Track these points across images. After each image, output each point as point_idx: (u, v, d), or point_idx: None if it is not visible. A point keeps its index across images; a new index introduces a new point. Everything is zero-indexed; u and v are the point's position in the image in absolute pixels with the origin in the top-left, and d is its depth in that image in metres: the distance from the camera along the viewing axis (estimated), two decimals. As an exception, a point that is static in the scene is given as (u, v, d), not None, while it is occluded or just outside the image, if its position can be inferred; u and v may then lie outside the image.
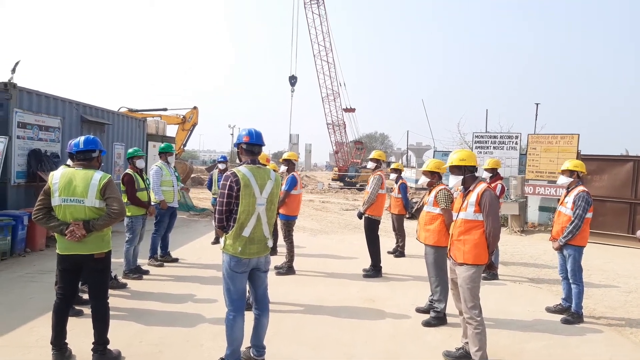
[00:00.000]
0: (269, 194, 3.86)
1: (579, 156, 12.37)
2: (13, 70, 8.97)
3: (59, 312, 3.97)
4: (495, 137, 14.91)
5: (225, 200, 3.72)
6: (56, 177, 3.94)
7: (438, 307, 5.35)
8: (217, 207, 3.77)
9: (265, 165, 6.04)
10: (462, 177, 4.34)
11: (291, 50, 45.36)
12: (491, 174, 7.77)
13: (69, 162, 4.51)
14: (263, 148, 4.12)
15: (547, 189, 12.64)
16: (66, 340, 4.01)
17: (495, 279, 7.42)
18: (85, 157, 4.08)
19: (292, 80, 41.76)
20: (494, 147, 14.55)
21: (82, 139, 4.13)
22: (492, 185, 7.57)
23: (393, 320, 5.42)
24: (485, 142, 14.78)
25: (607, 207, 11.62)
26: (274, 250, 8.81)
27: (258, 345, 4.01)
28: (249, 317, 4.03)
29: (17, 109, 8.59)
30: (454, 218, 4.39)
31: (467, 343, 4.22)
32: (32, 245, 8.28)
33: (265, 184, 3.83)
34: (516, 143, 14.44)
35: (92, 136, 4.25)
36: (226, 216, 3.75)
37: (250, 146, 3.92)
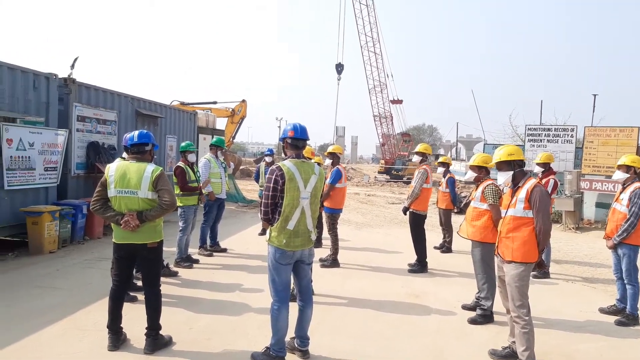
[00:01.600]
0: (313, 188, 3.91)
1: (639, 150, 11.73)
2: (72, 66, 9.44)
3: (115, 298, 4.20)
4: (549, 129, 14.37)
5: (270, 193, 3.81)
6: (112, 170, 4.14)
7: (485, 304, 5.26)
8: (263, 200, 3.88)
9: (310, 159, 6.13)
10: (512, 172, 4.23)
11: (338, 38, 45.26)
12: (543, 169, 7.53)
13: (124, 154, 4.73)
14: (308, 141, 4.18)
15: (605, 185, 12.06)
16: (121, 325, 4.24)
17: (547, 278, 7.18)
18: (139, 151, 4.26)
19: (339, 68, 41.59)
20: (548, 141, 14.01)
21: (136, 133, 4.32)
22: (544, 180, 7.35)
23: (438, 317, 5.38)
24: (539, 135, 14.26)
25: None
26: (318, 243, 8.89)
27: (302, 336, 4.10)
28: (294, 308, 4.12)
29: (76, 103, 9.06)
30: (503, 215, 4.29)
31: (514, 342, 4.14)
32: (91, 233, 8.75)
33: (309, 178, 3.89)
34: (572, 136, 13.84)
35: (145, 130, 4.44)
36: (271, 209, 3.84)
37: (295, 140, 3.98)
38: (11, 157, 7.40)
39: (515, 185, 4.22)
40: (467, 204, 5.75)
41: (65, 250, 7.87)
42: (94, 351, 4.08)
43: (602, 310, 5.70)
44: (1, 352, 4.01)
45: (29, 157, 7.74)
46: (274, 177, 3.81)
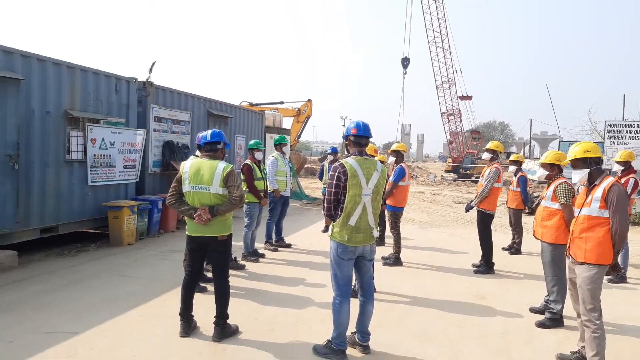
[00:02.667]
0: (375, 185, 3.96)
1: None
2: (150, 70, 10.03)
3: (187, 287, 4.47)
4: (631, 125, 13.43)
5: (333, 190, 3.90)
6: (187, 167, 4.41)
7: (554, 308, 5.06)
8: (326, 197, 3.98)
9: (373, 156, 6.17)
10: (588, 170, 4.05)
11: (404, 32, 44.40)
12: (623, 167, 7.11)
13: (197, 152, 5.01)
14: (372, 139, 4.23)
15: (696, 185, 11.10)
16: (192, 313, 4.50)
17: (624, 282, 6.79)
18: (212, 149, 4.50)
19: (405, 62, 41.04)
20: (630, 137, 13.12)
21: (209, 132, 4.57)
22: (624, 179, 6.94)
23: (504, 319, 5.24)
24: (620, 131, 13.38)
25: None
26: (381, 241, 8.90)
27: (363, 331, 4.16)
28: (356, 303, 4.19)
29: (153, 105, 9.63)
30: (576, 214, 4.12)
31: (583, 347, 3.97)
32: (165, 227, 9.29)
33: (371, 175, 3.94)
34: (658, 133, 12.88)
35: (217, 130, 4.68)
36: (334, 205, 3.93)
37: (358, 138, 4.04)
38: (94, 155, 8.01)
39: (591, 183, 4.04)
40: (538, 204, 5.55)
41: (142, 242, 8.41)
42: (167, 337, 4.36)
43: (688, 320, 5.30)
44: (90, 331, 4.40)
45: (110, 155, 8.35)
46: (336, 173, 3.90)
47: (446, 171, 36.39)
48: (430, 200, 18.27)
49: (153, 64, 10.13)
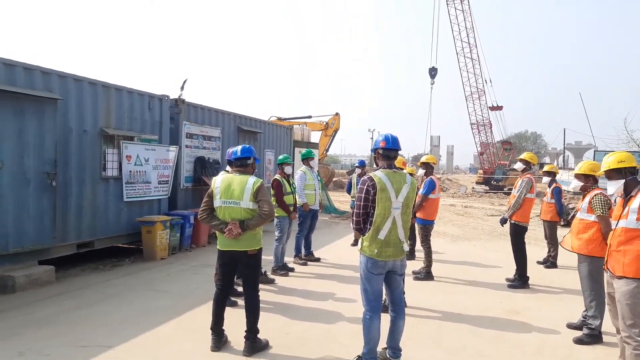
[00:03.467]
0: (405, 198, 3.94)
1: None
2: (182, 88, 10.29)
3: (218, 301, 4.52)
4: (672, 134, 12.97)
5: (362, 203, 3.90)
6: (218, 182, 4.50)
7: (592, 323, 4.89)
8: (355, 210, 3.98)
9: (402, 169, 6.14)
10: (623, 181, 3.94)
11: (431, 41, 43.76)
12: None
13: (228, 168, 5.10)
14: (400, 151, 4.22)
15: None
16: (223, 327, 4.55)
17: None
18: (242, 164, 4.58)
19: (432, 72, 40.69)
20: (671, 146, 12.66)
21: (239, 148, 4.66)
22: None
23: (540, 335, 5.09)
24: (659, 140, 12.94)
25: None
26: (411, 255, 8.80)
27: (394, 347, 4.12)
28: (386, 318, 4.15)
29: (185, 122, 9.87)
30: (613, 227, 4.00)
31: (626, 365, 3.82)
32: (197, 242, 9.43)
33: (401, 188, 3.92)
34: (701, 141, 12.40)
35: (247, 145, 4.77)
36: (363, 219, 3.93)
37: (387, 151, 4.04)
38: (130, 171, 8.24)
39: (628, 194, 3.92)
40: (574, 216, 5.41)
41: (174, 257, 8.56)
42: (199, 351, 4.41)
43: None
44: (124, 345, 4.49)
45: (145, 171, 8.57)
46: (365, 187, 3.90)
47: (477, 183, 35.79)
48: (461, 213, 17.99)
49: (184, 81, 10.39)
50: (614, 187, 4.01)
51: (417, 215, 7.32)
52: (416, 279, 7.26)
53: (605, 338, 4.85)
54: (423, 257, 7.44)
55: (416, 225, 7.69)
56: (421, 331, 5.10)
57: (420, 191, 7.28)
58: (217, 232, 4.49)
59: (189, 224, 9.13)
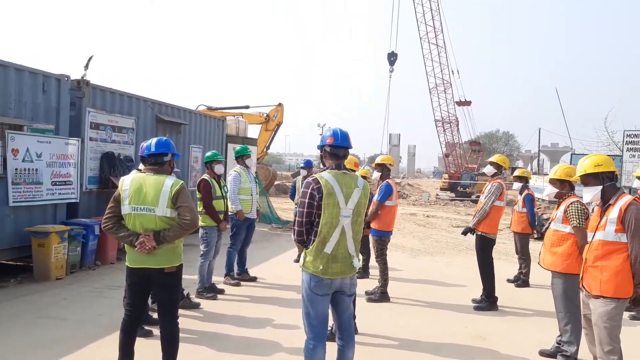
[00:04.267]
0: (356, 205, 3.95)
1: None
2: (86, 67, 9.96)
3: (127, 330, 4.36)
4: (654, 136, 13.86)
5: (305, 210, 3.87)
6: (126, 184, 4.33)
7: (568, 350, 5.12)
8: (297, 219, 3.95)
9: (354, 170, 6.18)
10: (600, 187, 4.14)
11: (391, 22, 43.73)
12: (645, 184, 7.31)
13: (141, 166, 4.94)
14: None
15: None
16: (134, 362, 4.40)
17: (649, 319, 6.92)
18: (157, 161, 4.44)
19: (392, 57, 41.55)
20: (653, 150, 13.52)
21: (153, 141, 4.51)
22: (646, 198, 7.12)
23: (509, 364, 5.28)
24: (641, 142, 13.79)
25: None
26: (365, 273, 8.90)
27: (341, 382, 4.11)
28: (333, 348, 4.14)
29: (89, 109, 9.51)
30: (590, 239, 4.20)
31: (603, 398, 4.01)
32: (103, 258, 9.12)
33: (351, 193, 3.93)
34: (683, 144, 13.32)
35: (164, 138, 4.63)
36: (306, 229, 3.90)
37: (335, 149, 4.04)
38: (16, 169, 7.84)
39: (605, 203, 4.12)
40: (548, 227, 5.64)
41: (73, 276, 8.23)
42: (103, 392, 4.24)
43: None
44: (1, 390, 4.25)
45: (36, 169, 8.18)
46: (309, 190, 3.87)
47: (442, 189, 36.83)
48: (423, 224, 18.41)
49: (90, 58, 10.06)
50: (590, 194, 4.20)
51: (372, 225, 7.40)
52: (369, 300, 7.34)
53: (581, 366, 5.08)
54: (378, 274, 7.52)
55: (370, 237, 7.77)
56: (374, 362, 5.14)
57: (375, 197, 7.37)
58: (126, 245, 4.34)
59: (93, 236, 8.81)
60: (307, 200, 3.87)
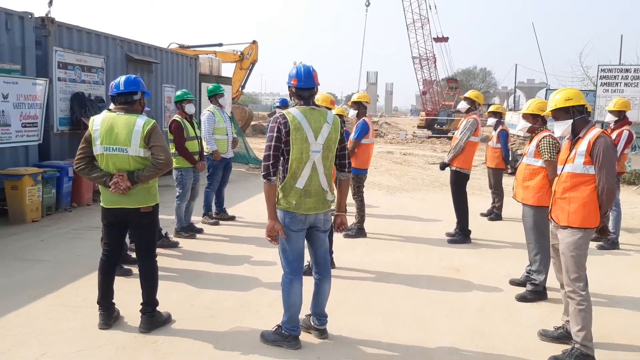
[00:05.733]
0: (326, 140, 3.95)
1: None
2: (50, 3, 9.55)
3: (105, 270, 4.41)
4: (627, 70, 13.92)
5: (273, 144, 3.85)
6: (97, 123, 4.26)
7: (536, 279, 5.31)
8: (264, 153, 3.91)
9: (330, 108, 6.15)
10: (571, 120, 4.18)
11: None
12: (617, 118, 7.41)
13: (111, 106, 4.84)
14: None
15: (696, 138, 11.76)
16: (113, 300, 4.46)
17: (616, 249, 7.19)
18: (127, 100, 4.35)
19: None
20: (626, 84, 13.63)
21: (122, 79, 4.40)
22: (617, 131, 7.25)
23: (481, 293, 5.47)
24: (614, 77, 13.86)
25: None
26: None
27: (319, 314, 4.25)
28: (310, 282, 4.26)
29: (56, 47, 9.20)
30: (559, 172, 4.28)
31: (568, 322, 4.20)
32: (79, 200, 9.07)
33: (320, 128, 3.93)
34: (656, 78, 13.44)
35: (133, 76, 4.52)
36: (272, 162, 3.86)
37: (300, 90, 4.01)
38: (-16, 111, 7.63)
39: (575, 136, 4.18)
40: (520, 162, 5.72)
41: (50, 218, 8.19)
42: (84, 329, 4.31)
43: (681, 287, 5.69)
44: (-16, 329, 4.29)
45: (3, 111, 7.95)
46: (276, 125, 3.85)
47: (419, 127, 36.99)
48: (400, 162, 18.56)
49: (54, -5, 9.63)
50: (561, 128, 4.24)
51: (348, 163, 7.42)
52: (347, 236, 7.46)
53: (549, 294, 5.29)
54: (355, 211, 7.63)
55: (347, 175, 7.81)
56: (352, 295, 5.29)
57: (352, 135, 7.38)
58: (100, 186, 4.31)
59: (67, 178, 8.72)
60: (274, 134, 3.86)
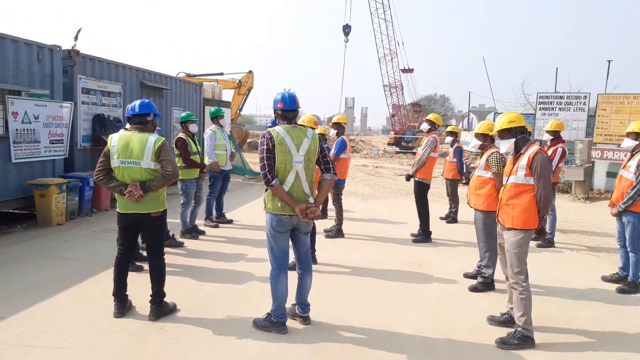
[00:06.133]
0: (307, 152, 3.96)
1: (654, 118, 11.56)
2: (76, 38, 9.46)
3: (120, 266, 4.34)
4: (561, 97, 14.15)
5: (265, 155, 3.88)
6: (114, 140, 4.22)
7: (486, 272, 5.34)
8: (260, 164, 3.94)
9: (314, 128, 6.14)
10: (514, 139, 4.23)
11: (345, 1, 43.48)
12: (552, 137, 7.50)
13: (127, 125, 4.80)
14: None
15: (617, 154, 11.97)
16: (127, 293, 4.39)
17: (552, 247, 7.25)
18: (141, 121, 4.32)
19: (346, 29, 40.87)
20: (560, 109, 13.82)
21: (137, 103, 4.38)
22: (553, 148, 7.33)
23: (440, 285, 5.48)
24: (551, 103, 14.06)
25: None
26: (324, 214, 9.00)
27: (302, 303, 4.23)
28: (295, 276, 4.24)
29: (80, 75, 9.09)
30: (504, 182, 4.32)
31: (512, 308, 4.22)
32: (98, 206, 8.93)
33: (301, 142, 3.94)
34: (584, 104, 13.64)
35: (147, 100, 4.49)
36: (268, 170, 3.87)
37: (285, 112, 4.03)
38: (17, 130, 7.50)
39: (517, 152, 4.23)
40: (473, 174, 5.76)
41: (73, 222, 8.05)
42: (101, 317, 4.23)
43: (605, 279, 5.76)
44: (16, 317, 4.19)
45: (34, 129, 7.84)
46: (265, 140, 3.90)
47: (389, 144, 37.07)
48: (372, 173, 18.59)
49: (79, 30, 9.56)
50: (505, 146, 4.29)
51: (329, 174, 7.42)
52: (327, 236, 7.45)
53: (496, 285, 5.32)
54: (334, 215, 7.62)
55: (327, 185, 7.80)
56: (332, 288, 5.26)
57: (332, 151, 7.39)
58: (116, 194, 4.26)
59: (88, 187, 8.59)
60: (264, 147, 3.90)
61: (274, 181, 3.86)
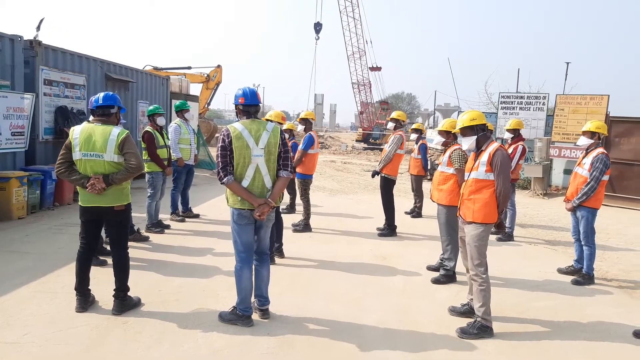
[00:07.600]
0: (266, 145, 3.93)
1: (607, 118, 12.01)
2: (38, 28, 9.14)
3: (82, 260, 4.23)
4: (522, 97, 14.55)
5: (219, 152, 3.88)
6: (76, 132, 4.10)
7: (448, 265, 5.45)
8: (216, 161, 3.92)
9: (281, 124, 6.13)
10: (475, 137, 4.32)
11: None
12: (513, 135, 7.69)
13: (91, 118, 4.67)
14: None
15: (574, 152, 12.39)
16: (89, 287, 4.28)
17: (511, 241, 7.45)
18: (104, 113, 4.21)
19: (317, 27, 40.85)
20: (520, 108, 14.21)
21: (101, 95, 4.27)
22: (513, 146, 7.51)
23: (404, 277, 5.56)
24: (512, 102, 14.44)
25: (634, 171, 11.35)
26: (292, 209, 8.99)
27: (260, 296, 4.21)
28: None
29: (43, 67, 8.79)
30: (466, 178, 4.41)
31: (472, 299, 4.32)
32: (60, 200, 8.66)
33: (260, 136, 3.92)
34: (543, 104, 14.07)
35: (111, 92, 4.38)
36: (222, 167, 3.86)
37: (247, 107, 4.01)
38: (-26, 121, 7.19)
39: (479, 149, 4.32)
40: (436, 170, 5.86)
41: (34, 216, 7.79)
42: (62, 312, 4.12)
43: (560, 271, 5.96)
44: (-32, 314, 4.02)
45: (-6, 121, 7.54)
46: (221, 137, 3.89)
47: (357, 141, 37.30)
48: (340, 169, 18.67)
49: (41, 21, 9.24)
50: (467, 143, 4.37)
51: (297, 170, 7.42)
52: (295, 230, 7.44)
53: (458, 277, 5.43)
54: (302, 210, 7.62)
55: (296, 180, 7.82)
56: (298, 280, 5.27)
57: (300, 147, 7.38)
58: (78, 187, 4.14)
59: (50, 180, 8.32)
60: (220, 145, 3.90)
61: (225, 178, 3.83)
